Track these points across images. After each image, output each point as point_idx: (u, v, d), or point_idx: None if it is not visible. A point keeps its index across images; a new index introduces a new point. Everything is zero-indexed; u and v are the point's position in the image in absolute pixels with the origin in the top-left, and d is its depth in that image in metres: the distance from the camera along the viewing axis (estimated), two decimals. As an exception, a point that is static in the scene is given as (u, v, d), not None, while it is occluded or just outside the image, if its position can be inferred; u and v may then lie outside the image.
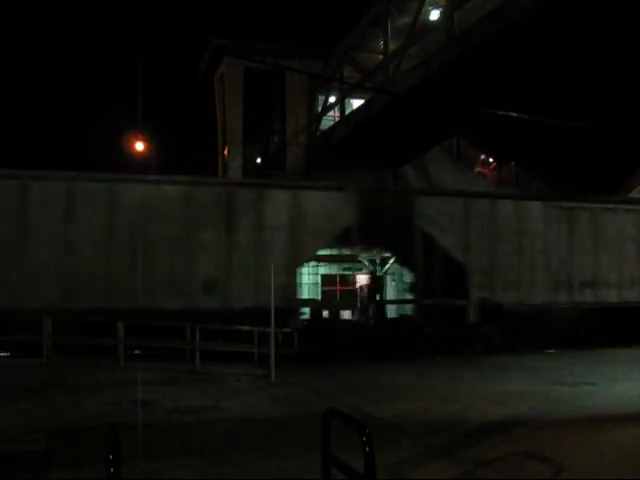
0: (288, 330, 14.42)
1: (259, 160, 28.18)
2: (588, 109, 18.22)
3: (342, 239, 16.40)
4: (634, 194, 24.53)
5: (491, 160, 33.64)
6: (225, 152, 28.15)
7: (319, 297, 21.95)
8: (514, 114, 13.40)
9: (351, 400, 9.25)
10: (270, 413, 8.88)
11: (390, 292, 21.01)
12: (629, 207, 19.15)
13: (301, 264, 15.51)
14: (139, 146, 23.28)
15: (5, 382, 10.67)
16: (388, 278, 20.80)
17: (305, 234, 15.51)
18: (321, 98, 27.13)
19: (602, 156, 22.75)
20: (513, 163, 31.94)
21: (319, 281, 22.19)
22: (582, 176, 22.91)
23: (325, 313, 20.41)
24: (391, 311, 19.96)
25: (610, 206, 18.86)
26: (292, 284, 15.39)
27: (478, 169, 33.35)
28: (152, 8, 27.90)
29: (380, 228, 16.25)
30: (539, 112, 14.08)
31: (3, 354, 13.80)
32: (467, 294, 16.74)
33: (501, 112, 14.54)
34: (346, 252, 19.48)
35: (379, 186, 17.73)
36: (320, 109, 27.22)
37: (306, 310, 18.53)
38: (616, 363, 13.70)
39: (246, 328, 13.43)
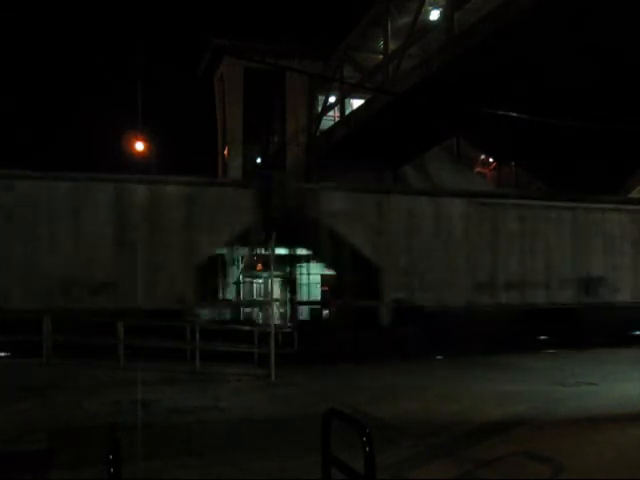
0: (288, 330, 14.43)
1: (259, 160, 28.21)
2: (588, 109, 18.22)
3: (243, 238, 15.68)
4: (634, 194, 24.54)
5: (491, 160, 33.68)
6: (225, 152, 28.17)
7: (319, 297, 21.89)
8: (514, 114, 13.40)
9: (351, 400, 9.25)
10: (270, 413, 8.88)
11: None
12: (565, 205, 17.87)
13: (198, 264, 14.63)
14: (139, 146, 23.32)
15: (5, 382, 10.67)
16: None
17: (202, 233, 14.79)
18: (321, 98, 27.16)
19: (602, 156, 22.75)
20: (513, 163, 31.97)
21: (319, 281, 22.16)
22: (582, 176, 22.92)
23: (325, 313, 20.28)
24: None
25: (542, 203, 17.78)
26: (189, 284, 14.64)
27: (478, 169, 33.40)
28: (152, 8, 27.94)
29: (287, 227, 15.33)
30: (539, 112, 14.07)
31: (3, 354, 13.81)
32: (380, 295, 15.74)
33: (501, 112, 14.54)
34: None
35: (284, 183, 16.75)
36: (320, 109, 27.25)
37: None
38: (616, 363, 13.70)
39: (246, 328, 13.43)
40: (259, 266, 21.59)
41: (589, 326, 16.97)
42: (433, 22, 20.57)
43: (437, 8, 20.47)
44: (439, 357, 15.30)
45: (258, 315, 19.63)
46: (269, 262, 12.94)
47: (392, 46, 21.09)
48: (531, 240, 17.31)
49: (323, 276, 22.16)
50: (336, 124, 26.04)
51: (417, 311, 15.63)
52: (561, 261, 17.61)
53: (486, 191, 19.53)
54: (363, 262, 15.75)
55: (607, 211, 18.33)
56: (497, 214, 17.14)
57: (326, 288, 21.98)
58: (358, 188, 16.81)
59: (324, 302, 19.31)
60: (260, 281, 22.33)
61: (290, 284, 18.15)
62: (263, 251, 18.61)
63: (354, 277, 15.94)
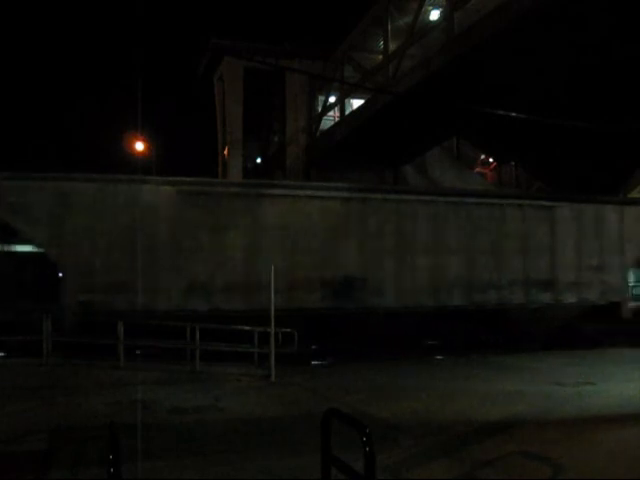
0: (288, 330, 14.40)
1: (259, 160, 28.23)
2: (589, 109, 18.20)
3: None
4: (634, 194, 24.53)
5: (491, 160, 33.67)
6: (225, 152, 28.18)
7: None
8: (514, 114, 13.39)
9: (351, 400, 9.25)
10: (270, 413, 8.87)
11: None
12: (314, 194, 15.71)
13: None
14: (139, 146, 23.34)
15: (5, 382, 10.67)
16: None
17: None
18: (321, 98, 27.17)
19: (602, 156, 22.74)
20: (513, 163, 31.97)
21: None
22: (582, 176, 22.90)
23: None
24: None
25: (263, 192, 15.45)
26: None
27: (478, 169, 33.38)
28: (153, 8, 27.95)
29: None
30: (539, 112, 14.07)
31: (3, 354, 13.80)
32: (61, 297, 13.98)
33: (501, 112, 14.53)
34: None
35: None
36: (320, 109, 27.25)
37: None
38: (616, 363, 13.69)
39: (246, 328, 13.39)
40: None
41: (336, 333, 15.15)
42: (433, 22, 20.55)
43: (437, 8, 20.47)
44: (439, 357, 15.31)
45: None
46: None
47: (392, 46, 21.09)
48: (260, 236, 15.23)
49: None
50: (336, 124, 26.04)
51: (105, 316, 13.37)
52: (310, 261, 15.47)
53: (202, 179, 16.32)
54: (43, 260, 14.14)
55: (368, 201, 16.22)
56: (215, 205, 15.07)
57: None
58: (36, 177, 14.54)
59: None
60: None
61: None
62: None
63: (34, 277, 14.41)
